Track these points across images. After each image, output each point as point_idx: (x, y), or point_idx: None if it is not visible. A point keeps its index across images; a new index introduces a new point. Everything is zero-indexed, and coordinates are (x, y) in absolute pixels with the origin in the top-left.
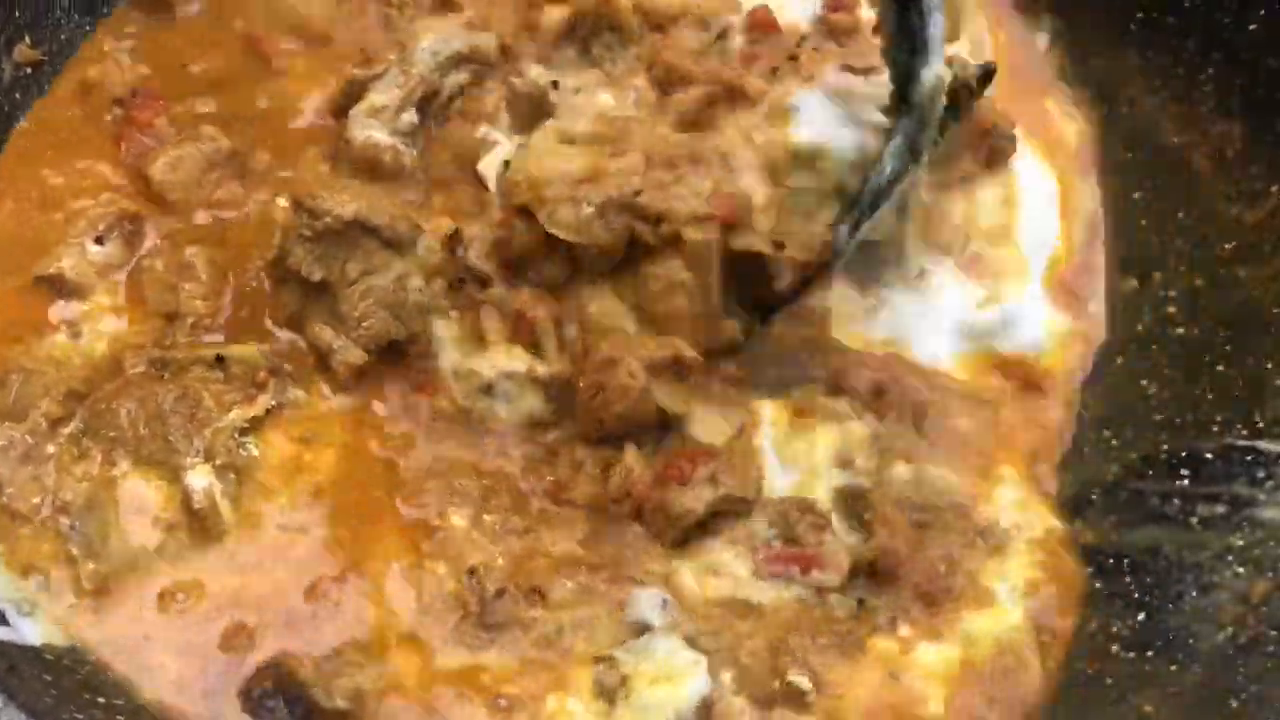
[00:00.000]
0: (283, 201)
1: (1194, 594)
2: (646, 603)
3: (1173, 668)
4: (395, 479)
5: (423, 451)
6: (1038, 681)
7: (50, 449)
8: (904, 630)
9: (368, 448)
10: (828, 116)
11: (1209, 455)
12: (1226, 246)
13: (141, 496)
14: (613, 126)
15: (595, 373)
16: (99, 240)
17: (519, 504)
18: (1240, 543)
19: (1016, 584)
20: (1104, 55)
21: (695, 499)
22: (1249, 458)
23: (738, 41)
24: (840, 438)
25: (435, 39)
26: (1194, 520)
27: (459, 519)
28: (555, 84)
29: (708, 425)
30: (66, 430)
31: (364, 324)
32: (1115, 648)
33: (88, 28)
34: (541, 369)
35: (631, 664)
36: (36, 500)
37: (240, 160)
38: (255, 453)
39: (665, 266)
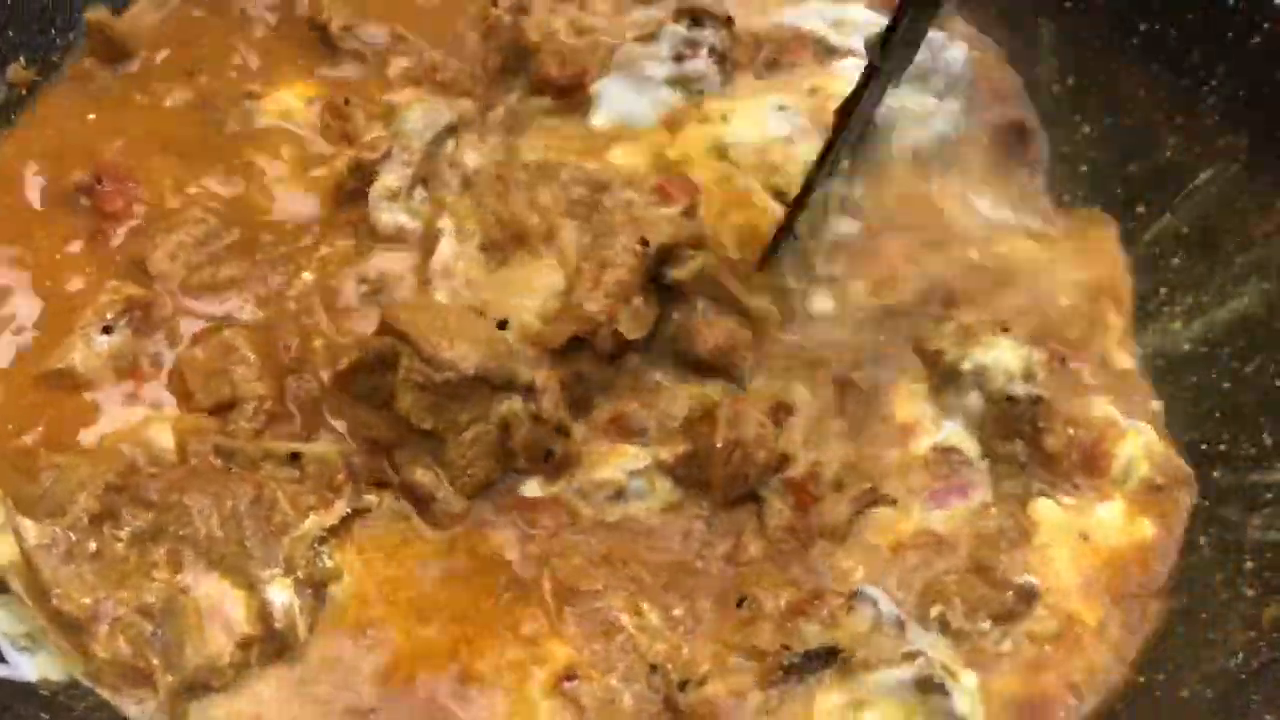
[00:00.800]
0: (308, 276)
1: (1203, 616)
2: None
3: (1184, 693)
4: (534, 591)
5: (570, 561)
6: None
7: (93, 545)
8: (1068, 500)
9: (488, 565)
10: (621, 90)
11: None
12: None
13: (222, 606)
14: (534, 212)
15: (727, 431)
16: (106, 330)
17: (704, 585)
18: (1250, 564)
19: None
20: (1106, 68)
21: (836, 511)
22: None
23: None
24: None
25: (423, 112)
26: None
27: (639, 616)
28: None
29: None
30: (126, 528)
31: (469, 471)
32: None
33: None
34: (666, 453)
35: (939, 653)
36: (87, 600)
37: (244, 238)
38: (330, 564)
39: (685, 309)
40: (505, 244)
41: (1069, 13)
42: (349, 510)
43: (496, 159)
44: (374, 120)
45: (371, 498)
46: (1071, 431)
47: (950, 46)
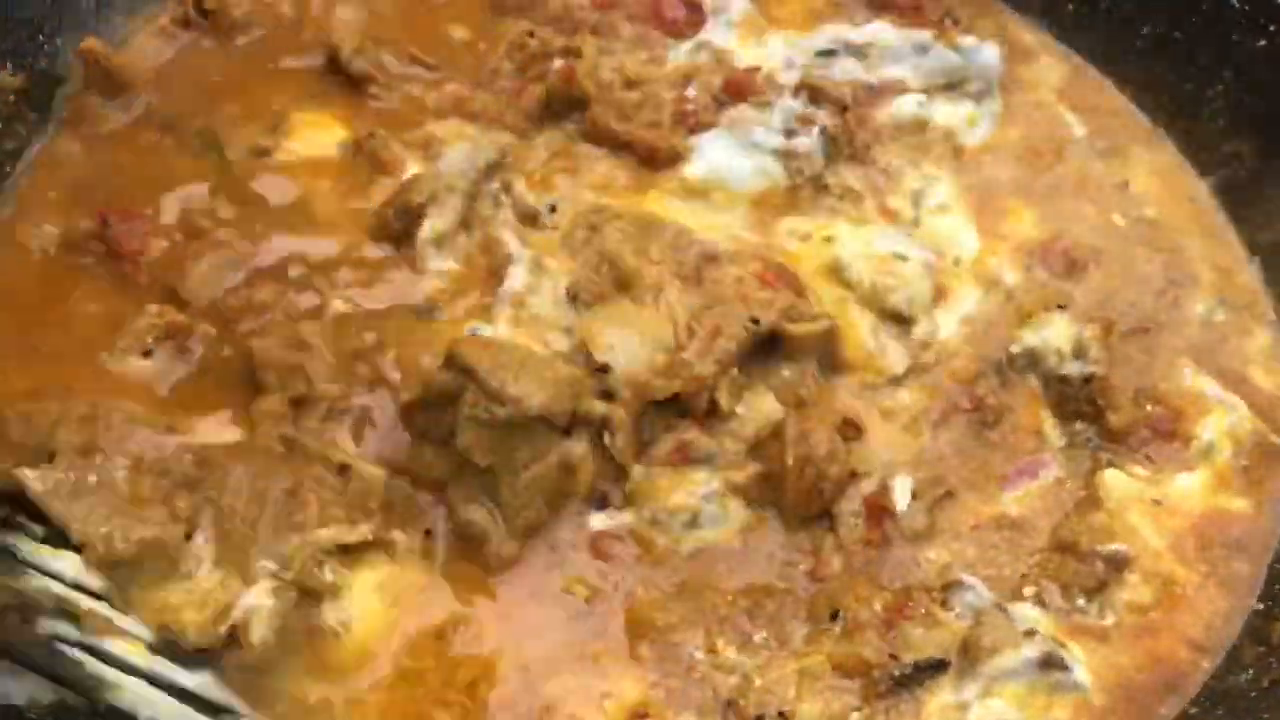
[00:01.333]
0: (340, 304)
1: None
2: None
3: (1193, 710)
4: (606, 627)
5: (644, 595)
6: None
7: (92, 479)
8: (1140, 471)
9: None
10: (725, 147)
11: None
12: None
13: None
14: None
15: (795, 448)
16: (146, 354)
17: (790, 605)
18: None
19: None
20: (1111, 71)
21: (917, 520)
22: None
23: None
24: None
25: (464, 151)
26: None
27: (714, 654)
28: (553, 208)
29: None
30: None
31: (524, 512)
32: None
33: (70, 54)
34: (739, 475)
35: (1046, 629)
36: (104, 530)
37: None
38: (330, 579)
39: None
40: (604, 289)
41: (1072, 16)
42: (370, 537)
43: (576, 204)
44: (409, 148)
45: (399, 534)
46: (1150, 408)
47: (982, 48)
